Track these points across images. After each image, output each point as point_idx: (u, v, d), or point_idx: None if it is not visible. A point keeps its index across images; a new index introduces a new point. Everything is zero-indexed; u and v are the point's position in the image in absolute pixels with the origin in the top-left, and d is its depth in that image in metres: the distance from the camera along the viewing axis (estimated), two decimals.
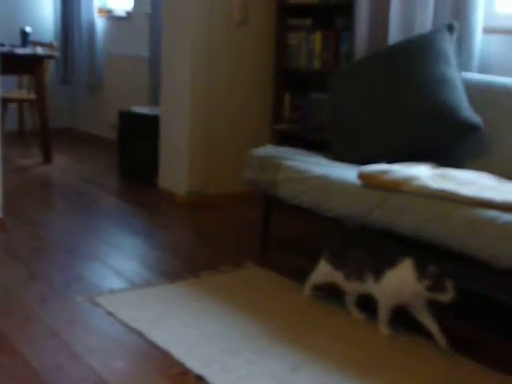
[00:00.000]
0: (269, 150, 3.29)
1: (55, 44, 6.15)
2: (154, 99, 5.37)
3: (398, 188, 2.55)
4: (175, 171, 4.50)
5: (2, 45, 5.21)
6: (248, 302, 2.77)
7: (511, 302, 2.80)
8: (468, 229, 2.30)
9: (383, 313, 2.50)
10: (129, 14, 6.35)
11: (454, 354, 2.35)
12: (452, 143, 3.01)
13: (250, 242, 3.56)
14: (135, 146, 5.04)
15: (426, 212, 2.43)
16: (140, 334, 2.43)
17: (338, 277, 2.63)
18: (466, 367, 2.29)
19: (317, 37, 4.18)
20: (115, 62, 6.45)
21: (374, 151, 3.08)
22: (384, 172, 2.63)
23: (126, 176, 5.15)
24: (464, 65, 3.22)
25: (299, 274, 3.10)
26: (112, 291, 2.83)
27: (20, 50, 5.47)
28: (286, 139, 3.89)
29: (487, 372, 2.27)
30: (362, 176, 2.71)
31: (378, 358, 2.33)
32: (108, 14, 6.72)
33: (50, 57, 5.66)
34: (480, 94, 3.04)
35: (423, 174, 2.63)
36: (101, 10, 6.75)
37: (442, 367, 2.29)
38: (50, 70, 5.98)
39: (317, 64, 4.21)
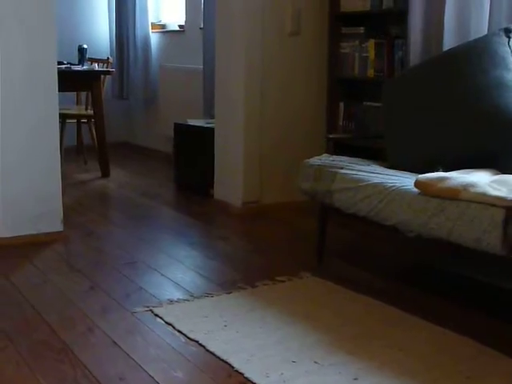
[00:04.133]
0: (324, 159, 3.29)
1: (111, 60, 6.28)
2: (209, 112, 5.43)
3: (456, 196, 2.51)
4: (230, 182, 4.53)
5: (61, 63, 5.34)
6: (305, 312, 2.76)
7: None
8: None
9: None
10: (182, 27, 6.45)
11: None
12: (510, 148, 2.95)
13: (306, 251, 3.55)
14: (191, 158, 5.09)
15: (487, 220, 2.38)
16: (199, 345, 2.44)
17: None
18: None
19: (370, 45, 4.16)
20: (170, 75, 6.54)
21: (430, 158, 3.03)
22: (441, 179, 2.59)
23: (182, 188, 5.21)
24: None
25: (356, 284, 3.08)
26: (170, 302, 2.86)
27: (77, 67, 5.61)
28: (340, 148, 3.87)
29: None
30: (419, 184, 2.67)
31: (437, 368, 2.29)
32: (162, 28, 6.83)
33: (106, 72, 5.79)
34: None
35: (482, 180, 2.58)
36: (154, 25, 6.87)
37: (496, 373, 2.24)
38: (107, 85, 6.11)
39: (371, 72, 4.18)
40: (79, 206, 4.65)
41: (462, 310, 2.82)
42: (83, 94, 6.37)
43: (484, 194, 2.44)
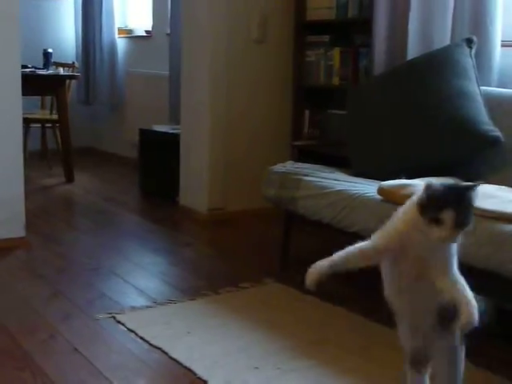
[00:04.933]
0: (288, 166, 3.30)
1: (77, 64, 6.24)
2: (175, 118, 5.42)
3: None
4: (195, 189, 4.52)
5: (25, 66, 5.29)
6: (268, 318, 2.76)
7: None
8: (491, 243, 2.28)
9: None
10: (149, 33, 6.43)
11: None
12: (472, 157, 3.00)
13: (270, 258, 3.56)
14: (156, 164, 5.08)
15: None
16: (161, 351, 2.43)
17: None
18: None
19: (335, 53, 4.19)
20: (136, 81, 6.52)
21: (393, 166, 3.07)
22: (403, 186, 2.62)
23: (147, 194, 5.19)
24: (483, 78, 3.21)
25: (319, 291, 3.09)
26: (133, 308, 2.84)
27: (42, 71, 5.56)
28: (305, 156, 3.89)
29: None
30: (381, 191, 2.70)
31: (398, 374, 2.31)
32: (128, 33, 6.80)
33: (71, 77, 5.75)
34: (499, 107, 3.03)
35: None
36: (121, 30, 6.84)
37: None
38: (72, 90, 6.06)
39: (336, 80, 4.22)
40: (42, 211, 4.60)
41: None
42: (48, 99, 6.31)
43: None
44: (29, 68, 5.46)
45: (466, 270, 2.37)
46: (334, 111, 4.24)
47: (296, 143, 3.86)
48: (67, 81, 5.66)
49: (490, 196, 2.55)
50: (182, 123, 4.68)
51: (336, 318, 2.79)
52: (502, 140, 2.90)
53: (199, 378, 2.23)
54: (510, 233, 2.27)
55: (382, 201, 2.70)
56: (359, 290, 3.18)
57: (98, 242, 3.91)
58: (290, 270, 3.39)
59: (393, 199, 2.63)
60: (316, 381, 2.23)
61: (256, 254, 3.73)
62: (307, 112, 4.45)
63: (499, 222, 2.32)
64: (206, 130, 4.39)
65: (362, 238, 2.77)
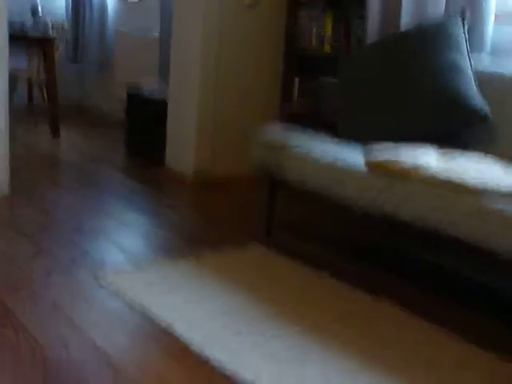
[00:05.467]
0: (277, 132, 3.29)
1: (66, 26, 6.15)
2: (164, 77, 5.37)
3: (405, 176, 2.54)
4: (182, 151, 4.51)
5: (13, 22, 5.20)
6: (251, 282, 2.78)
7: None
8: (474, 218, 2.30)
9: None
10: None
11: None
12: (459, 131, 3.00)
13: (255, 223, 3.58)
14: (143, 123, 5.04)
15: (433, 200, 2.43)
16: (143, 311, 2.44)
17: None
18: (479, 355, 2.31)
19: (328, 20, 4.16)
20: (126, 41, 6.44)
21: (382, 135, 3.07)
22: (393, 161, 2.62)
23: (133, 154, 5.17)
24: (475, 52, 3.20)
25: (302, 256, 3.12)
26: (116, 268, 2.85)
27: (31, 31, 5.47)
28: (294, 122, 3.87)
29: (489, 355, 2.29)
30: (370, 165, 2.70)
31: (382, 342, 2.34)
32: None
33: (61, 38, 5.68)
34: (490, 82, 3.03)
35: (431, 160, 2.62)
36: None
37: (453, 353, 2.30)
38: (61, 47, 5.98)
39: (327, 48, 4.19)
40: (27, 168, 4.57)
41: (403, 285, 2.88)
42: (36, 53, 6.22)
43: (433, 177, 2.48)
44: (17, 24, 5.37)
45: (450, 241, 2.41)
46: (324, 79, 4.21)
47: (285, 109, 3.84)
48: (56, 41, 5.59)
49: (478, 170, 2.56)
50: (170, 85, 4.64)
51: (320, 283, 2.82)
52: (490, 116, 2.91)
53: (179, 339, 2.25)
54: (494, 208, 2.29)
55: (369, 171, 2.70)
56: (343, 258, 3.20)
57: (82, 201, 3.90)
58: (275, 236, 3.40)
59: (380, 170, 2.64)
60: (300, 349, 2.25)
61: (241, 219, 3.74)
62: (297, 79, 4.42)
63: (484, 197, 2.34)
64: (195, 92, 4.36)
65: (347, 207, 2.80)
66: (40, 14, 5.80)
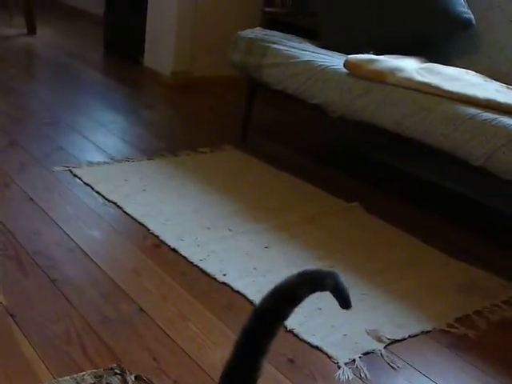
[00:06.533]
0: (257, 32, 3.23)
1: None
2: None
3: (383, 78, 2.53)
4: (161, 50, 4.42)
5: None
6: (224, 182, 2.80)
7: (482, 198, 2.86)
8: (448, 124, 2.31)
9: None
10: None
11: None
12: (442, 38, 2.97)
13: (232, 126, 3.56)
14: (122, 22, 4.91)
15: (408, 105, 2.43)
16: (116, 206, 2.46)
17: None
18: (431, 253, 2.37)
19: None
20: None
21: (363, 41, 3.03)
22: (371, 61, 2.61)
23: (111, 53, 5.06)
24: None
25: (277, 160, 3.13)
26: (90, 163, 2.84)
27: None
28: (275, 24, 3.80)
29: (444, 256, 2.35)
30: (348, 64, 2.68)
31: (348, 241, 2.39)
32: None
33: None
34: None
35: (410, 66, 2.60)
36: None
37: (408, 251, 2.36)
38: None
39: None
40: (1, 62, 4.46)
41: (374, 191, 2.92)
42: None
43: (410, 80, 2.47)
44: None
45: (423, 148, 2.43)
46: None
47: (267, 9, 3.75)
48: None
49: (456, 79, 2.55)
50: None
51: (292, 187, 2.84)
52: (474, 23, 2.88)
53: (152, 234, 2.28)
54: (468, 115, 2.29)
55: (347, 74, 2.68)
56: (317, 163, 3.22)
57: (58, 97, 3.84)
58: (251, 139, 3.40)
59: (359, 73, 2.62)
60: (265, 243, 2.30)
61: (218, 121, 3.72)
62: None
63: (460, 104, 2.34)
64: None
65: (324, 111, 2.79)
66: None
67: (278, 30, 3.41)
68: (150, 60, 4.54)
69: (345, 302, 0.91)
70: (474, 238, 2.57)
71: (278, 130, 3.73)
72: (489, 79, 2.70)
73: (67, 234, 2.23)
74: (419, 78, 2.47)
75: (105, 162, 2.88)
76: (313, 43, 3.20)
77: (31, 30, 5.41)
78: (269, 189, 2.80)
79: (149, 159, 2.97)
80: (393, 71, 2.52)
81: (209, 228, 2.36)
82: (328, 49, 3.10)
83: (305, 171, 3.03)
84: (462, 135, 2.27)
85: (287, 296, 0.89)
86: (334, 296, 0.91)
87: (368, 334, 1.87)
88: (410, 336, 1.89)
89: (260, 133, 3.52)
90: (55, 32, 5.70)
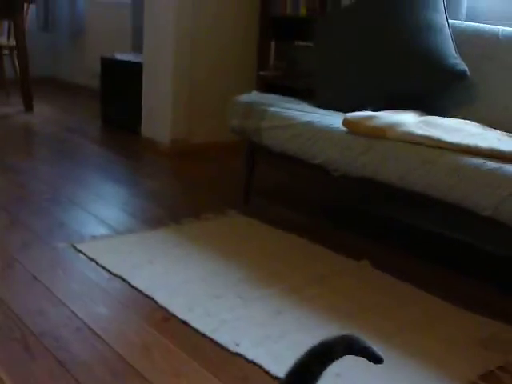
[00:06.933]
0: (254, 96, 3.24)
1: None
2: (138, 46, 5.28)
3: (382, 134, 2.52)
4: (158, 119, 4.44)
5: None
6: (230, 249, 2.76)
7: (492, 248, 2.82)
8: (452, 176, 2.28)
9: None
10: None
11: None
12: (438, 91, 2.98)
13: (233, 190, 3.54)
14: (118, 94, 4.96)
15: (411, 159, 2.41)
16: (122, 280, 2.41)
17: None
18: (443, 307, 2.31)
19: None
20: (97, 8, 6.32)
21: (359, 98, 3.04)
22: (369, 118, 2.60)
23: (108, 125, 5.09)
24: (452, 12, 3.17)
25: (281, 222, 3.09)
26: (94, 238, 2.81)
27: None
28: (271, 87, 3.84)
29: (460, 311, 2.29)
30: (346, 122, 2.67)
31: (360, 302, 2.34)
32: None
33: (29, 1, 5.53)
34: (467, 41, 3.01)
35: (408, 120, 2.60)
36: None
37: (423, 307, 2.30)
38: (31, 17, 5.85)
39: (303, 11, 4.13)
40: (0, 140, 4.48)
41: (383, 247, 2.88)
42: (5, 25, 6.08)
43: (410, 134, 2.46)
44: None
45: (430, 201, 2.40)
46: (300, 43, 4.16)
47: (262, 73, 3.78)
48: (25, 5, 5.44)
49: (456, 130, 2.54)
50: (144, 52, 4.55)
51: (297, 248, 2.80)
52: (468, 74, 2.89)
53: (160, 307, 2.22)
54: (469, 166, 2.27)
55: (346, 132, 2.67)
56: (322, 223, 3.19)
57: (57, 172, 3.83)
58: (253, 202, 3.37)
59: (357, 130, 2.61)
60: (277, 309, 2.24)
61: (219, 186, 3.70)
62: (273, 43, 4.36)
63: (463, 155, 2.32)
64: (170, 59, 4.29)
65: (326, 171, 2.78)
66: None
67: (273, 93, 3.43)
68: (147, 130, 4.56)
69: (374, 357, 0.87)
70: (490, 289, 2.52)
71: (281, 192, 3.71)
72: (488, 128, 2.69)
73: (73, 312, 2.17)
74: (419, 131, 2.46)
75: (108, 235, 2.85)
76: (310, 103, 3.21)
77: (28, 108, 5.46)
78: (275, 252, 2.76)
79: (152, 229, 2.94)
80: (392, 126, 2.52)
81: (218, 297, 2.30)
82: (325, 108, 3.10)
83: (310, 231, 3.00)
84: (467, 186, 2.24)
85: (300, 379, 0.85)
86: (360, 356, 0.87)
87: None
88: None
89: (262, 195, 3.50)
90: (52, 108, 5.75)
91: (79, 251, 2.65)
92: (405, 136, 2.46)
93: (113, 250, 2.69)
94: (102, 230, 2.92)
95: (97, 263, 2.54)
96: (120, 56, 5.05)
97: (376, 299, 2.38)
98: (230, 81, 4.44)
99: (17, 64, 5.62)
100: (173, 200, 3.46)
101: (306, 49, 4.05)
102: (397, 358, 1.99)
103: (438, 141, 2.38)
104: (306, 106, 3.14)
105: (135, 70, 4.68)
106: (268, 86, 3.87)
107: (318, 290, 2.41)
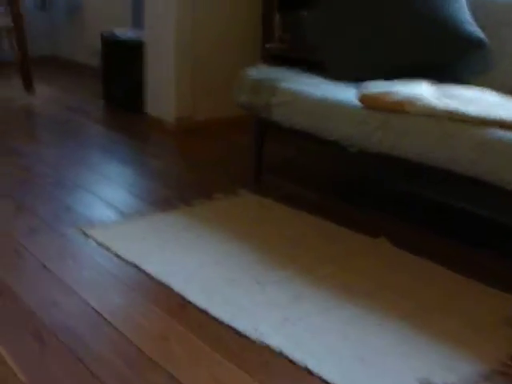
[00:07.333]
0: (262, 70, 3.14)
1: None
2: (138, 21, 5.15)
3: (401, 109, 2.42)
4: (162, 97, 4.34)
5: None
6: (243, 229, 2.68)
7: None
8: (476, 150, 2.19)
9: None
10: None
11: None
12: (454, 59, 2.88)
13: (243, 168, 3.45)
14: (120, 72, 4.85)
15: (432, 133, 2.31)
16: (135, 266, 2.33)
17: None
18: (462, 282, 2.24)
19: None
20: None
21: (372, 68, 2.94)
22: (386, 93, 2.50)
23: (111, 104, 4.99)
24: None
25: (294, 200, 3.01)
26: (102, 222, 2.73)
27: None
28: (277, 60, 3.72)
29: (484, 288, 2.23)
30: (363, 98, 2.56)
31: (379, 281, 2.27)
32: None
33: None
34: (483, 7, 2.90)
35: (427, 93, 2.50)
36: None
37: (445, 285, 2.23)
38: None
39: None
40: (2, 123, 4.39)
41: (401, 224, 2.80)
42: (1, 6, 5.94)
43: (431, 107, 2.36)
44: None
45: (451, 176, 2.32)
46: (306, 13, 4.04)
47: (268, 45, 3.66)
48: None
49: (475, 100, 2.45)
50: (146, 28, 4.43)
51: (311, 227, 2.72)
52: (485, 41, 2.78)
53: (176, 293, 2.15)
54: (494, 139, 2.18)
55: (362, 107, 2.57)
56: (335, 200, 3.10)
57: (61, 154, 3.75)
58: (264, 180, 3.29)
59: (375, 106, 2.51)
60: (294, 291, 2.17)
61: (227, 164, 3.61)
62: (277, 15, 4.24)
63: (487, 128, 2.23)
64: (172, 34, 4.16)
65: (341, 146, 2.69)
66: None
67: (280, 65, 3.32)
68: (151, 108, 4.46)
69: None
70: None
71: (291, 168, 3.62)
72: (506, 97, 2.60)
73: (86, 302, 2.10)
74: (440, 104, 2.36)
75: (117, 219, 2.77)
76: (320, 76, 3.10)
77: (29, 89, 5.35)
78: (289, 231, 2.68)
79: (162, 212, 2.85)
80: (411, 100, 2.41)
81: (234, 280, 2.23)
82: (337, 80, 2.99)
83: (323, 209, 2.92)
84: (492, 160, 2.15)
85: None
86: None
87: (420, 383, 1.73)
88: (464, 380, 1.76)
89: (273, 173, 3.41)
90: (53, 88, 5.64)
91: (88, 237, 2.57)
92: (425, 110, 2.36)
93: (123, 234, 2.61)
94: (109, 214, 2.84)
95: (107, 249, 2.47)
96: (120, 32, 4.92)
97: (394, 277, 2.31)
98: (234, 55, 4.33)
99: (15, 45, 5.50)
100: (180, 180, 3.38)
101: (312, 18, 3.92)
102: (418, 339, 1.93)
103: (461, 114, 2.28)
104: (317, 80, 3.03)
105: (136, 46, 4.57)
106: (274, 59, 3.75)
107: (334, 269, 2.34)
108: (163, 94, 4.32)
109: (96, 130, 4.41)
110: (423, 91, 2.51)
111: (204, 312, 2.04)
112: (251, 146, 3.31)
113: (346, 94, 2.73)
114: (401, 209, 3.01)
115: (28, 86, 5.35)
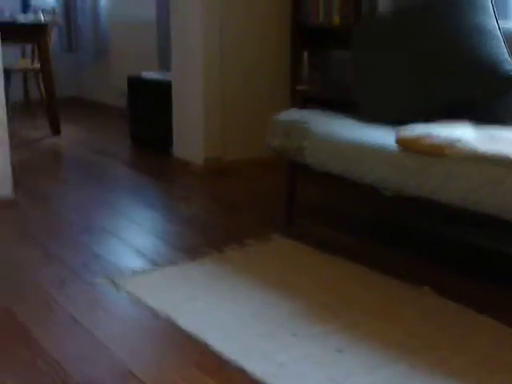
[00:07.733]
0: (293, 114, 3.07)
1: (57, 10, 5.92)
2: (164, 64, 5.16)
3: (441, 152, 2.33)
4: (190, 138, 4.30)
5: (2, 11, 4.97)
6: (278, 278, 2.58)
7: None
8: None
9: None
10: None
11: None
12: (491, 98, 2.79)
13: (274, 211, 3.37)
14: (147, 113, 4.83)
15: (476, 178, 2.22)
16: (167, 319, 2.24)
17: None
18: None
19: None
20: (121, 26, 6.22)
21: (407, 109, 2.85)
22: (425, 135, 2.41)
23: (138, 145, 4.96)
24: (502, 14, 2.98)
25: (330, 246, 2.92)
26: (132, 271, 2.65)
27: (22, 18, 5.24)
28: (306, 100, 3.66)
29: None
30: (401, 141, 2.48)
31: (426, 336, 2.15)
32: None
33: (53, 24, 5.43)
34: None
35: (467, 135, 2.40)
36: None
37: (492, 338, 2.11)
38: (54, 37, 5.76)
39: (336, 19, 3.96)
40: (29, 167, 4.37)
41: (442, 270, 2.68)
42: (29, 47, 6.00)
43: (472, 151, 2.27)
44: (6, 14, 5.14)
45: (495, 222, 2.21)
46: (335, 52, 3.99)
47: (299, 87, 3.61)
48: (49, 27, 5.34)
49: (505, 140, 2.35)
50: (173, 69, 4.42)
51: (350, 276, 2.62)
52: None
53: (211, 349, 2.05)
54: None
55: (399, 150, 2.48)
56: (373, 245, 3.00)
57: (88, 198, 3.70)
58: (297, 224, 3.20)
59: (414, 149, 2.42)
60: (337, 347, 2.06)
61: (259, 207, 3.53)
62: (306, 54, 4.20)
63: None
64: (199, 76, 4.14)
65: (375, 189, 2.60)
66: (30, 1, 5.57)
67: (311, 107, 3.26)
68: (179, 149, 4.42)
69: None
70: None
71: (324, 212, 3.52)
72: None
73: (118, 357, 2.02)
74: (482, 147, 2.26)
75: (147, 268, 2.69)
76: (353, 118, 3.03)
77: (56, 131, 5.36)
78: (325, 280, 2.57)
79: (193, 259, 2.77)
80: (451, 143, 2.32)
81: (272, 335, 2.13)
82: (370, 122, 2.91)
83: (360, 255, 2.82)
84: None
85: None
86: None
87: None
88: None
89: (305, 216, 3.32)
90: (80, 129, 5.64)
91: (118, 287, 2.50)
92: (467, 153, 2.27)
93: (153, 284, 2.53)
94: (139, 263, 2.76)
95: (138, 300, 2.39)
96: (147, 75, 4.91)
97: (442, 332, 2.18)
98: (262, 93, 4.28)
99: (42, 87, 5.52)
100: (210, 224, 3.30)
101: (342, 58, 3.87)
102: None
103: (505, 158, 2.18)
104: (348, 121, 2.96)
105: (163, 88, 4.55)
106: (305, 101, 3.69)
107: (377, 323, 2.23)
108: (191, 134, 4.28)
109: (123, 172, 4.37)
110: (463, 134, 2.42)
111: (242, 370, 1.93)
112: (283, 189, 3.23)
113: (380, 135, 2.65)
114: (442, 254, 2.89)
115: (54, 127, 5.35)
